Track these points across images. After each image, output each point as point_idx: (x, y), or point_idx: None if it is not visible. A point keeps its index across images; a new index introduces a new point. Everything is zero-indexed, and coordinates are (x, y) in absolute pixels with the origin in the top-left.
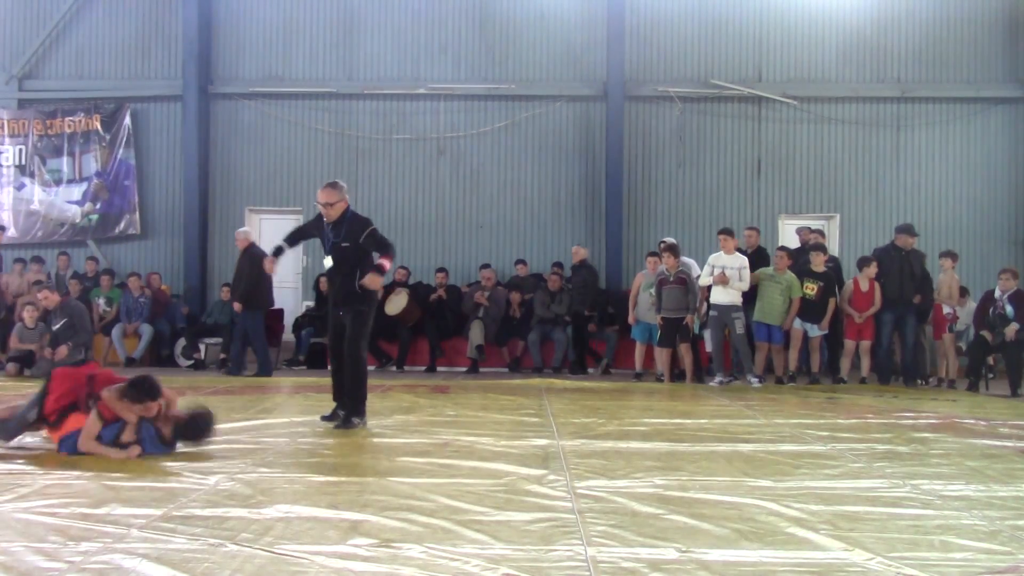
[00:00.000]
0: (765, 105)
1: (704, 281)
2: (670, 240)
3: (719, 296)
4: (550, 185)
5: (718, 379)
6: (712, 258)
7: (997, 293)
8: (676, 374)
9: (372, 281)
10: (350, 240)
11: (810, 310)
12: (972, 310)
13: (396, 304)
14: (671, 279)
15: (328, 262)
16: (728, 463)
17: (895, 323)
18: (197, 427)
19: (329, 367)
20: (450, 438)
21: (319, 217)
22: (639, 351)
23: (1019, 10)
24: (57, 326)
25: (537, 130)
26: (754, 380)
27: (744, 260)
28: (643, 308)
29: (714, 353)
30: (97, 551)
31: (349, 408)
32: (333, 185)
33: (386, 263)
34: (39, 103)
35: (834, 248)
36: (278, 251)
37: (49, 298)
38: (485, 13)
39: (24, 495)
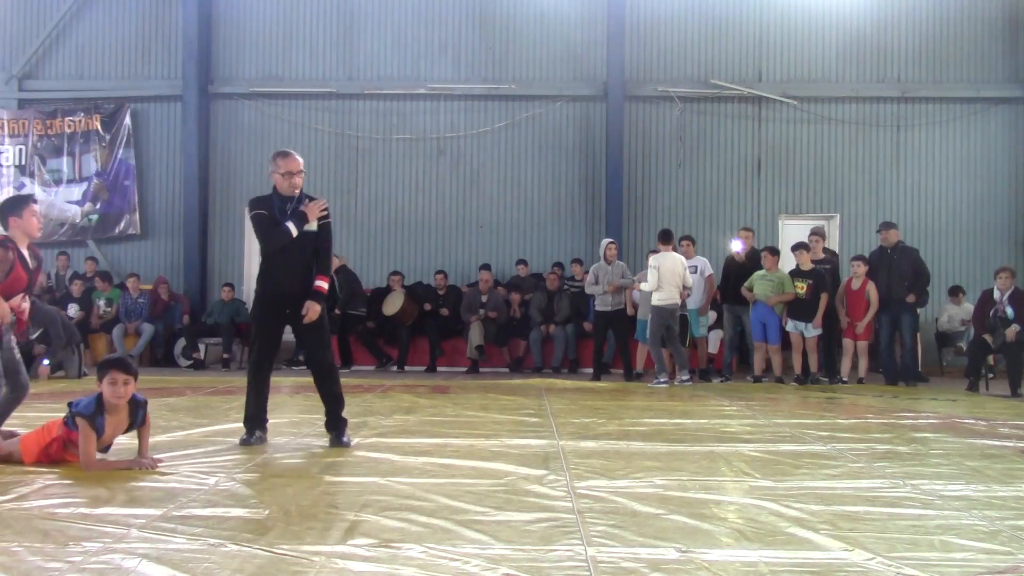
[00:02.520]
0: (765, 105)
1: (645, 287)
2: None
3: (656, 296)
4: (550, 185)
5: (660, 380)
6: (653, 259)
7: (996, 294)
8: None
9: (314, 312)
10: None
11: (803, 309)
12: (969, 310)
13: (393, 303)
14: None
15: (312, 226)
16: (728, 463)
17: (892, 323)
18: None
19: (251, 379)
20: (450, 438)
21: (264, 201)
22: (640, 351)
23: (1019, 10)
24: (35, 335)
25: (537, 130)
26: (660, 382)
27: (657, 263)
28: (642, 307)
29: (653, 353)
30: (97, 551)
31: (336, 426)
32: (295, 153)
33: (324, 285)
34: (39, 103)
35: (834, 248)
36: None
37: None
38: (485, 13)
39: (24, 495)
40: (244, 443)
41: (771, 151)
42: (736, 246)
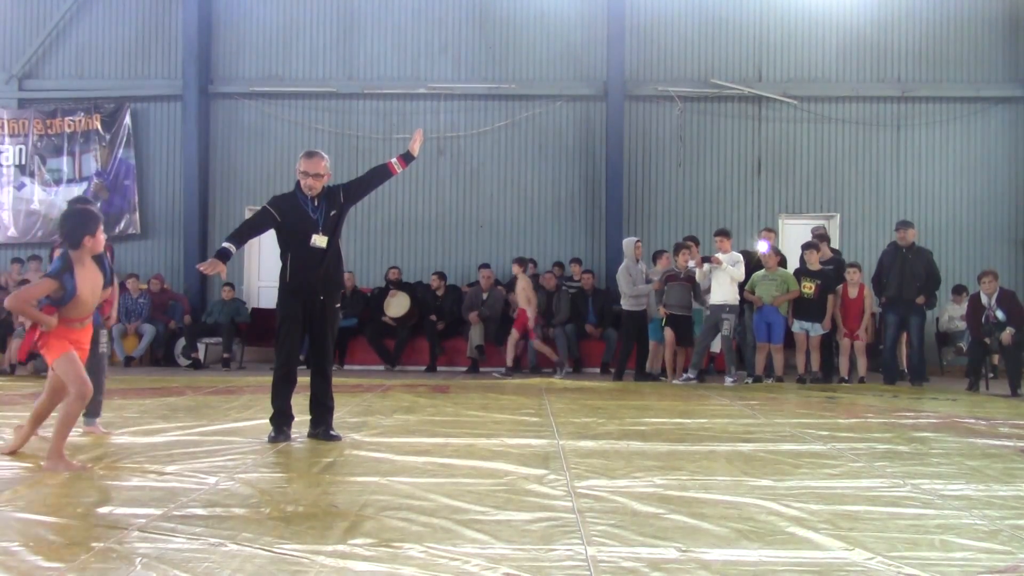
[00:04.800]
0: (765, 105)
1: (700, 278)
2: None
3: (714, 295)
4: (550, 185)
5: (685, 376)
6: (735, 253)
7: (984, 299)
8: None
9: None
10: (335, 207)
11: (810, 309)
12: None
13: (399, 306)
14: (681, 276)
15: (320, 241)
16: (728, 463)
17: (899, 323)
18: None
19: (278, 376)
20: (450, 438)
21: (285, 198)
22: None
23: (1019, 10)
24: None
25: (537, 130)
26: (728, 380)
27: (739, 256)
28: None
29: (696, 351)
30: (97, 551)
31: (327, 420)
32: (320, 155)
33: (398, 165)
34: (39, 103)
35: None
36: (225, 254)
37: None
38: (485, 13)
39: (24, 495)
40: (272, 441)
41: (771, 151)
42: (763, 247)
